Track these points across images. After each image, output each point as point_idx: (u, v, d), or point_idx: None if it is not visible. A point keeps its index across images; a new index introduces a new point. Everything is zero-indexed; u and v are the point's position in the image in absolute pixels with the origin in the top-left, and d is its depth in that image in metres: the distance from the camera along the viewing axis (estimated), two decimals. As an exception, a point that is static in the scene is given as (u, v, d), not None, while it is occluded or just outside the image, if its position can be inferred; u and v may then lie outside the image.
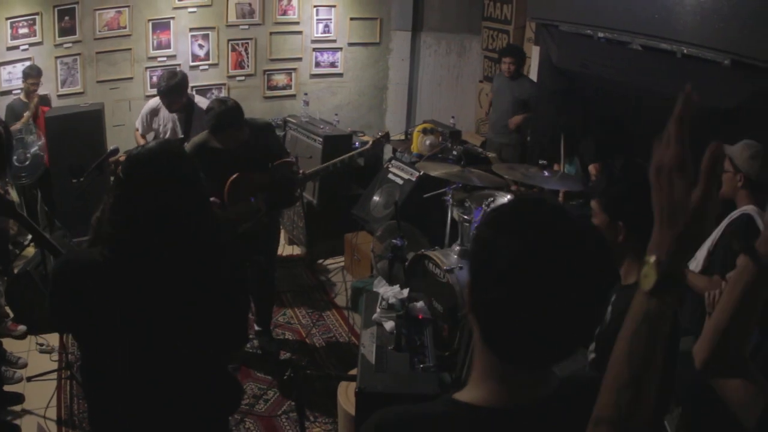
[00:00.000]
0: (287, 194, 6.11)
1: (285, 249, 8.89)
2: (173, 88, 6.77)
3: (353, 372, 4.52)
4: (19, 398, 5.60)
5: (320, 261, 8.55)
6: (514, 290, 1.46)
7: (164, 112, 7.09)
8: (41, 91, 8.26)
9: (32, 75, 7.92)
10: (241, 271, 3.06)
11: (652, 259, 1.37)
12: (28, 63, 8.47)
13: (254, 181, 5.79)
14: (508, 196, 5.96)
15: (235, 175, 5.67)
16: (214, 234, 2.88)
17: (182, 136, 6.89)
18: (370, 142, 7.05)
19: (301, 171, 6.30)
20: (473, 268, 1.56)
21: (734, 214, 4.24)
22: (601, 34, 6.30)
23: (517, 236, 1.48)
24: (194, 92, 7.31)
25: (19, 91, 8.26)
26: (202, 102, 7.17)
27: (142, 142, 7.06)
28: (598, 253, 1.53)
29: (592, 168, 6.51)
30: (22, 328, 6.51)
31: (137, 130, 7.36)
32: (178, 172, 2.75)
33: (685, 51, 5.38)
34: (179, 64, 9.46)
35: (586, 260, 1.48)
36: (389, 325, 4.41)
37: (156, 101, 7.12)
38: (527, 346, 1.51)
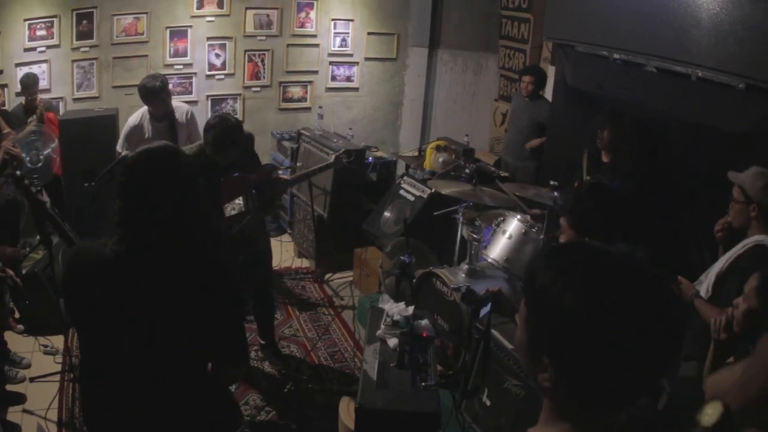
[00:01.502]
0: (269, 199, 6.12)
1: (294, 262, 8.90)
2: (163, 87, 6.88)
3: (355, 387, 4.50)
4: (20, 398, 5.61)
5: (329, 275, 8.52)
6: (595, 340, 1.48)
7: (148, 125, 7.05)
8: (54, 95, 8.29)
9: (30, 85, 7.91)
10: (237, 273, 3.07)
11: (720, 404, 1.39)
12: (44, 65, 8.51)
13: (247, 182, 5.86)
14: (518, 217, 5.92)
15: (235, 174, 5.73)
16: (210, 234, 2.91)
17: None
18: (333, 157, 7.07)
19: (284, 177, 6.51)
20: (546, 316, 1.57)
21: (748, 242, 4.13)
22: (616, 56, 6.29)
23: (593, 289, 1.50)
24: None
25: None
26: (180, 108, 7.26)
27: None
28: (670, 296, 1.55)
29: None
30: (20, 327, 6.54)
31: (120, 153, 7.12)
32: (174, 171, 2.81)
33: (699, 74, 5.36)
34: (195, 73, 9.50)
35: (661, 307, 1.50)
36: (393, 341, 4.38)
37: (136, 117, 7.09)
38: (605, 392, 1.54)
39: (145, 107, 7.08)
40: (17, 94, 8.24)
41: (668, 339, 1.50)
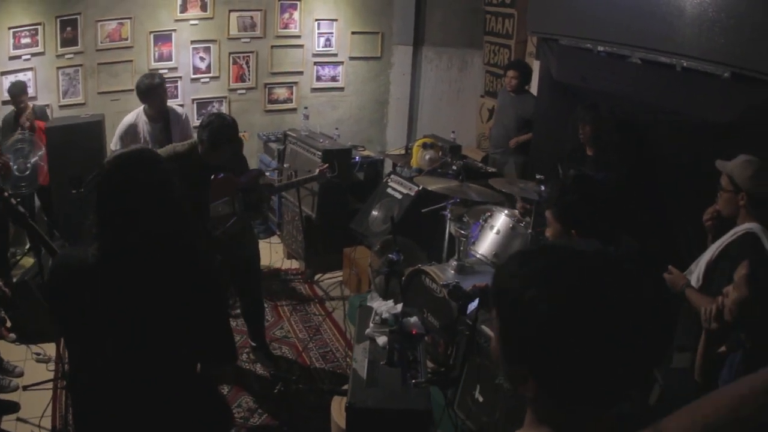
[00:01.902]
0: (256, 203, 6.12)
1: (284, 263, 8.88)
2: (161, 84, 7.01)
3: (346, 387, 4.49)
4: (14, 407, 5.59)
5: (318, 275, 8.51)
6: (573, 346, 1.45)
7: (143, 126, 7.06)
8: (40, 102, 8.27)
9: (17, 93, 7.87)
10: (219, 272, 3.07)
11: None
12: (30, 73, 8.47)
13: (234, 183, 5.85)
14: (506, 212, 5.93)
15: (222, 175, 5.72)
16: (190, 236, 2.95)
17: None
18: (316, 171, 6.97)
19: (272, 179, 6.45)
20: (521, 327, 1.52)
21: (738, 230, 4.14)
22: (600, 48, 6.29)
23: (565, 294, 1.46)
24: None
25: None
26: (175, 110, 7.35)
27: None
28: (650, 291, 1.52)
29: None
30: (12, 336, 6.53)
31: (113, 151, 7.15)
32: (150, 176, 2.82)
33: (684, 64, 5.37)
34: (180, 77, 9.49)
35: (641, 302, 1.48)
36: (382, 340, 4.37)
37: (132, 117, 7.10)
38: (587, 397, 1.52)
39: (141, 108, 7.12)
40: (4, 103, 8.22)
41: (648, 334, 1.47)
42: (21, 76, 8.38)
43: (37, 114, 7.97)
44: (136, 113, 7.12)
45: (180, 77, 9.56)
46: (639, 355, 1.47)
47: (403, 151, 9.33)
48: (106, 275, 2.72)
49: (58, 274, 2.90)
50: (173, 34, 9.40)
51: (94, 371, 2.87)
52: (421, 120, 11.31)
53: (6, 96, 8.19)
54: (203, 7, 9.48)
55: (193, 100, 9.75)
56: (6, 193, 4.96)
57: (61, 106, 8.88)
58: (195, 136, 5.83)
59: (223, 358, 3.12)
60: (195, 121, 8.89)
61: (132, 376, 2.80)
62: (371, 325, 4.51)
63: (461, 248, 5.89)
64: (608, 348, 1.44)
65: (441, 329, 5.63)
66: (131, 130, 7.04)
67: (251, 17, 9.84)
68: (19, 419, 5.48)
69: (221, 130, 5.53)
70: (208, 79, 9.81)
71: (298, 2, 10.12)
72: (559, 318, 1.44)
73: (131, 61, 9.23)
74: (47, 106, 8.71)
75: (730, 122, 5.04)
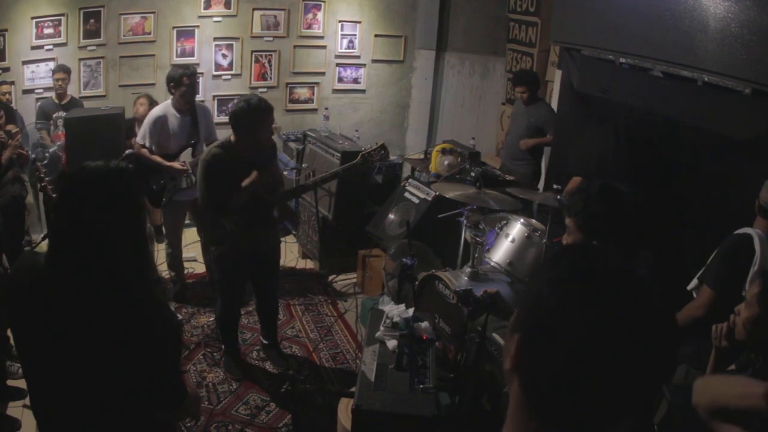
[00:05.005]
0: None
1: (298, 263, 8.89)
2: (193, 75, 7.12)
3: (354, 389, 4.48)
4: (21, 393, 5.60)
5: (333, 276, 8.53)
6: (580, 361, 1.37)
7: (172, 119, 7.08)
8: (72, 93, 8.34)
9: (58, 70, 8.06)
10: (168, 314, 2.85)
11: None
12: (51, 63, 8.51)
13: (268, 181, 5.73)
14: (521, 221, 5.89)
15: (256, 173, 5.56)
16: (139, 270, 2.70)
17: (194, 141, 6.93)
18: (359, 156, 6.73)
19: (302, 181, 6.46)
20: (533, 331, 1.45)
21: (738, 231, 4.20)
22: (622, 60, 6.25)
23: (591, 306, 1.38)
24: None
25: (41, 90, 8.35)
26: (200, 105, 7.45)
27: (154, 157, 7.05)
28: (665, 318, 1.45)
29: (572, 183, 6.45)
30: None
31: (143, 146, 7.14)
32: (114, 194, 2.59)
33: (706, 79, 5.33)
34: (202, 73, 9.48)
35: (656, 330, 1.40)
36: (392, 343, 4.36)
37: (160, 109, 7.12)
38: (582, 414, 1.43)
39: (169, 101, 7.17)
40: (24, 92, 8.29)
41: (662, 356, 1.41)
42: (42, 66, 8.43)
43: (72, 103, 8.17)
44: (164, 106, 7.15)
45: (202, 74, 9.52)
46: (636, 384, 1.41)
47: (422, 156, 9.32)
48: (49, 289, 2.53)
49: (13, 277, 2.75)
50: (196, 30, 9.45)
51: (39, 393, 2.74)
52: (442, 125, 11.32)
53: (27, 85, 8.26)
54: (227, 5, 9.52)
55: (214, 96, 9.79)
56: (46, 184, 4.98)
57: (82, 98, 8.88)
58: (217, 134, 5.80)
59: (168, 405, 2.88)
60: (216, 118, 8.91)
61: (71, 404, 2.65)
62: (382, 328, 4.51)
63: (476, 255, 5.87)
64: (612, 369, 1.36)
65: (452, 335, 5.61)
66: (159, 122, 7.05)
67: (275, 16, 9.87)
68: (25, 406, 5.50)
69: (257, 109, 5.42)
70: (229, 77, 9.85)
71: (322, 3, 10.16)
72: (575, 332, 1.37)
73: (153, 55, 9.27)
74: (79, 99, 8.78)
75: (751, 138, 5.01)
